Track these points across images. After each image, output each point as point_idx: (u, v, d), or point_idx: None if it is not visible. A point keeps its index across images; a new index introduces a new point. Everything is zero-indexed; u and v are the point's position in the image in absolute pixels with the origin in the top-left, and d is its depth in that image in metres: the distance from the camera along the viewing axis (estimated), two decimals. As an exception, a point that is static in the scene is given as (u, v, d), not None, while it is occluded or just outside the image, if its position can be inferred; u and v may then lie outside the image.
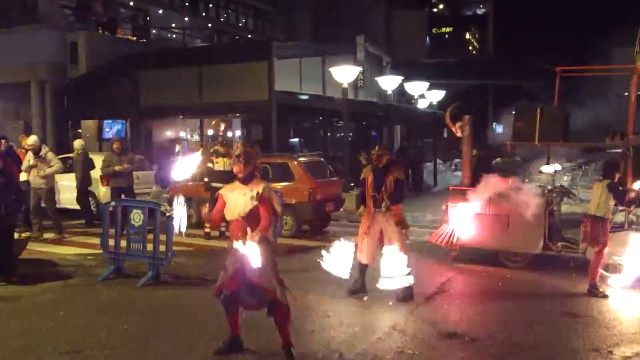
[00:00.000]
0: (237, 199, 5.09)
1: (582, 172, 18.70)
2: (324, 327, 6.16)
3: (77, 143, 13.74)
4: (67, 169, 13.61)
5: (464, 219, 9.19)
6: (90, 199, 13.65)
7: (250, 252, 4.89)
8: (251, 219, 5.02)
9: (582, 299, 7.33)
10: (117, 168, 11.74)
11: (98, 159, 13.25)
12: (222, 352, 5.33)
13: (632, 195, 7.69)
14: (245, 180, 5.13)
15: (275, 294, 5.02)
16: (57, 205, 12.42)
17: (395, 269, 7.15)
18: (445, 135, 25.64)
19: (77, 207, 13.51)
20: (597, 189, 7.55)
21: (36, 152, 11.40)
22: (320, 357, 5.33)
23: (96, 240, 10.01)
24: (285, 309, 5.10)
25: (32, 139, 11.66)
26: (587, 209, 8.02)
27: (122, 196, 11.10)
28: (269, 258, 5.07)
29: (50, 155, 11.74)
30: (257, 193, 5.02)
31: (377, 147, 7.52)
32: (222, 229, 11.36)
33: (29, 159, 11.43)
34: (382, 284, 7.24)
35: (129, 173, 11.94)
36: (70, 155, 14.18)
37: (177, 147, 22.78)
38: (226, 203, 5.16)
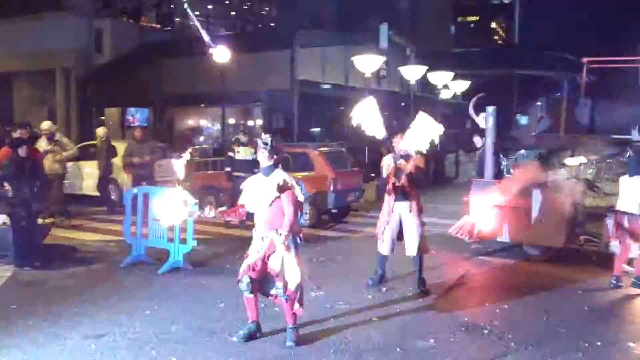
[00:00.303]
0: (260, 190, 5.17)
1: (608, 166, 18.39)
2: (342, 318, 6.17)
3: (101, 130, 13.91)
4: (89, 156, 13.78)
5: (486, 211, 9.11)
6: (110, 185, 13.80)
7: (275, 244, 5.07)
8: (274, 210, 5.10)
9: (603, 293, 7.24)
10: (135, 160, 11.82)
11: (121, 147, 13.40)
12: (243, 337, 5.41)
13: None
14: (268, 172, 5.19)
15: (287, 287, 5.14)
16: (80, 192, 12.59)
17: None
18: (468, 126, 25.39)
19: (98, 194, 13.71)
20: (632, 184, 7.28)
21: (50, 137, 11.38)
22: (337, 348, 5.33)
23: (118, 227, 10.12)
24: (292, 303, 5.22)
25: (47, 124, 11.65)
26: (612, 204, 7.88)
27: (143, 184, 11.22)
28: (293, 250, 5.17)
29: (65, 139, 11.85)
30: (279, 184, 5.07)
31: (397, 134, 7.43)
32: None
33: (41, 144, 11.32)
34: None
35: (149, 162, 12.01)
36: (94, 142, 14.35)
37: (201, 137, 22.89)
38: (248, 195, 5.25)
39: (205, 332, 5.64)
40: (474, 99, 10.74)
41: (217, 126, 24.39)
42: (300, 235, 5.36)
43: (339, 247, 9.99)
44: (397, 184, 7.13)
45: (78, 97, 22.96)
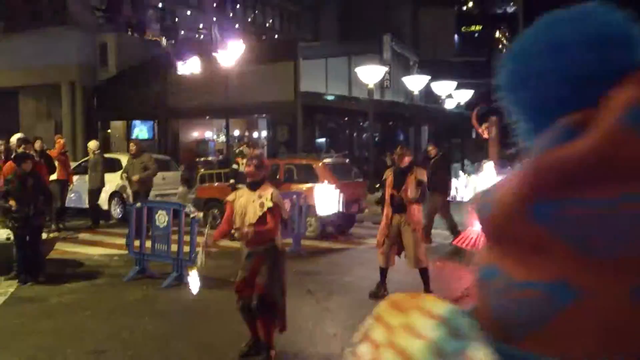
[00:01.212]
0: (246, 206, 5.08)
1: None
2: (346, 331, 6.13)
3: (92, 144, 13.55)
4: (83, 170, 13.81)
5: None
6: (115, 199, 13.81)
7: (260, 260, 5.01)
8: (260, 225, 5.00)
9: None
10: (122, 177, 12.03)
11: (125, 160, 13.43)
12: (244, 354, 5.34)
13: None
14: (254, 186, 5.15)
15: (272, 299, 5.04)
16: (75, 205, 12.66)
17: None
18: (473, 135, 25.40)
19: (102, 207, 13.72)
20: None
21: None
22: (341, 361, 5.29)
23: (122, 241, 10.14)
24: (274, 316, 5.11)
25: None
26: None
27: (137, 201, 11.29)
28: (276, 264, 5.10)
29: None
30: (267, 199, 5.02)
31: (398, 147, 7.46)
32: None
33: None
34: None
35: (144, 179, 11.83)
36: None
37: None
38: (234, 210, 5.16)
39: (207, 348, 5.62)
40: (476, 109, 10.72)
41: (222, 138, 24.53)
42: (285, 249, 5.31)
43: (343, 258, 9.97)
44: (395, 194, 7.12)
45: (83, 111, 23.09)
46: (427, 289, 7.19)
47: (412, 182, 7.10)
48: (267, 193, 5.07)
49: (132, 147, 12.23)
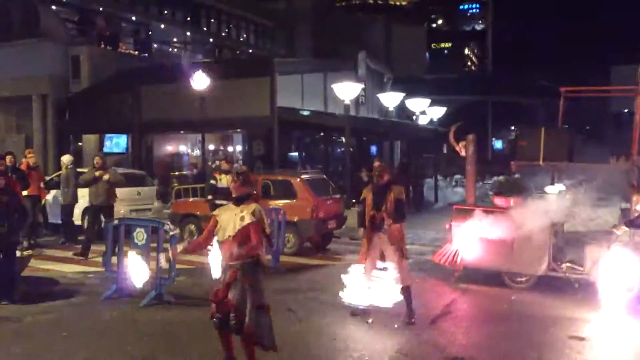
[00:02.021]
0: (229, 220, 5.11)
1: (583, 191, 18.64)
2: (331, 352, 6.10)
3: (66, 158, 13.13)
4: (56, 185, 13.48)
5: (468, 239, 9.16)
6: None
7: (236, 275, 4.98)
8: (239, 239, 5.01)
9: (587, 322, 7.28)
10: (81, 180, 11.33)
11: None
12: None
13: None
14: (239, 201, 5.18)
15: (243, 316, 4.98)
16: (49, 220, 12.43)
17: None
18: (444, 151, 25.69)
19: (78, 222, 13.42)
20: None
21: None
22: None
23: (97, 258, 9.96)
24: (251, 334, 5.03)
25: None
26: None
27: (102, 216, 11.10)
28: (253, 280, 5.05)
29: None
30: (247, 214, 5.04)
31: (376, 164, 7.45)
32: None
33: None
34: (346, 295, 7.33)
35: (107, 191, 11.20)
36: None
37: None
38: (218, 223, 5.18)
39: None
40: (453, 127, 10.84)
41: (197, 152, 24.35)
42: (268, 265, 5.37)
43: (322, 275, 9.93)
44: (376, 215, 7.13)
45: (55, 124, 22.72)
46: (409, 306, 7.21)
47: (392, 201, 7.12)
48: (250, 208, 5.09)
49: (97, 160, 11.47)
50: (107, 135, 23.25)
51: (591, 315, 7.44)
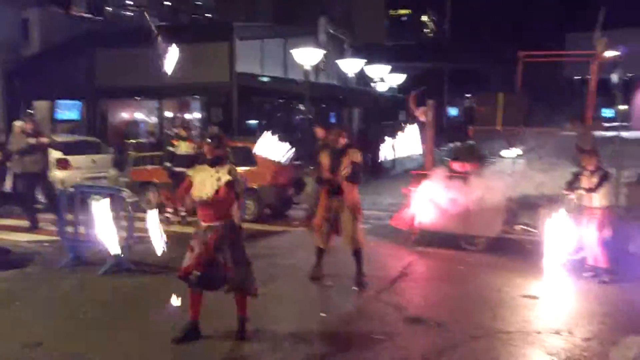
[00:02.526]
0: (204, 180, 5.26)
1: (536, 156, 19.07)
2: (292, 316, 6.17)
3: (19, 125, 12.47)
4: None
5: (426, 203, 9.32)
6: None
7: (220, 234, 5.18)
8: (216, 200, 5.19)
9: (540, 282, 7.53)
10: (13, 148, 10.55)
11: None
12: (179, 340, 5.33)
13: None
14: (213, 163, 5.31)
15: (232, 272, 5.22)
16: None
17: None
18: (402, 118, 25.84)
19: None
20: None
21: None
22: (290, 344, 5.34)
23: (52, 227, 9.77)
24: (242, 288, 5.34)
25: None
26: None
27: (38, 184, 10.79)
28: (234, 239, 5.29)
29: None
30: (223, 173, 5.22)
31: (334, 129, 7.46)
32: (183, 214, 11.24)
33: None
34: None
35: (40, 158, 10.70)
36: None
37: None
38: (193, 184, 5.34)
39: (153, 337, 5.52)
40: (413, 93, 10.91)
41: (154, 119, 23.88)
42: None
43: (282, 241, 9.99)
44: (332, 180, 7.17)
45: (5, 90, 21.91)
46: (360, 270, 7.33)
47: (348, 164, 7.16)
48: (225, 169, 5.27)
49: (28, 125, 10.70)
50: (60, 102, 22.57)
51: (542, 276, 7.69)
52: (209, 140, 5.40)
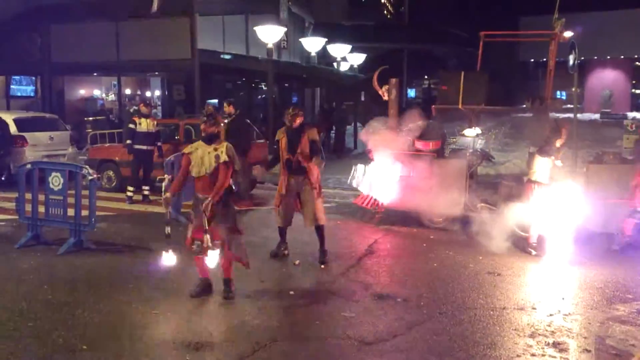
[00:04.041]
0: (202, 157, 5.65)
1: (494, 136, 19.43)
2: (261, 293, 6.15)
3: None
4: None
5: (390, 182, 9.39)
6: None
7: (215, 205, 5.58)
8: (215, 175, 5.62)
9: (503, 258, 7.68)
10: None
11: (7, 118, 12.50)
12: (196, 294, 5.80)
13: None
14: (209, 140, 5.68)
15: (223, 241, 5.69)
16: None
17: None
18: (362, 98, 25.80)
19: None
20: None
21: None
22: (258, 323, 5.32)
23: (9, 205, 9.49)
24: (231, 254, 5.80)
25: None
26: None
27: None
28: (228, 210, 5.75)
29: None
30: (222, 152, 5.63)
31: (290, 109, 7.42)
32: (146, 192, 11.07)
33: None
34: None
35: None
36: None
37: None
38: (191, 161, 5.69)
39: (116, 317, 5.43)
40: (377, 71, 10.92)
41: (112, 96, 23.33)
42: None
43: (248, 220, 9.92)
44: (291, 158, 7.15)
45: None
46: (322, 247, 7.36)
47: (306, 143, 7.14)
48: (222, 147, 5.67)
49: None
50: (14, 77, 21.81)
51: (504, 253, 7.85)
52: (205, 119, 5.68)
